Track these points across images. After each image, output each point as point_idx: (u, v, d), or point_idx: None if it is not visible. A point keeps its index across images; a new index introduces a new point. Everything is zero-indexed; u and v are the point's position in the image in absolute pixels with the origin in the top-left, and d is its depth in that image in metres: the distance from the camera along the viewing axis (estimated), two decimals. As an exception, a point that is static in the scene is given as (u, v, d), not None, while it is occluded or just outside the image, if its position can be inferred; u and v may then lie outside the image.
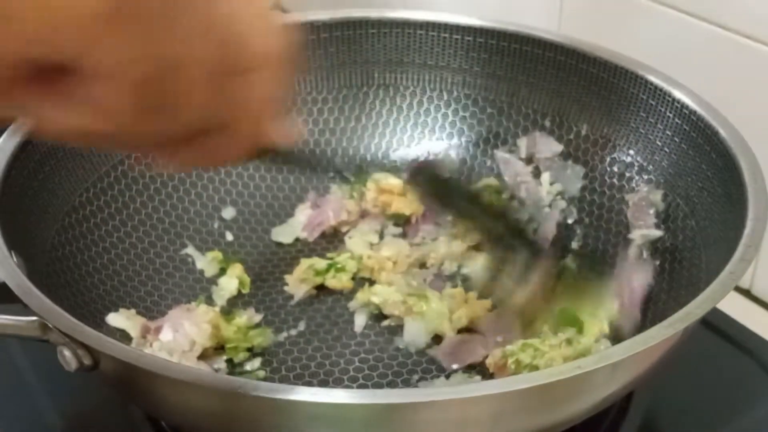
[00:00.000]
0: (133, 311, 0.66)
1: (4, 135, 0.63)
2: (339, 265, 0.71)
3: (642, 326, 0.64)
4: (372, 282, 0.71)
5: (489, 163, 0.78)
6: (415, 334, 0.67)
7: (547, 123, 0.76)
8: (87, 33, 0.31)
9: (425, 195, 0.67)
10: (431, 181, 0.65)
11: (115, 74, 0.32)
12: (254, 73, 0.37)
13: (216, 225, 0.75)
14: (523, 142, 0.77)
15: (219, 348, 0.65)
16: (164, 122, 0.35)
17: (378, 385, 0.63)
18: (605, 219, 0.73)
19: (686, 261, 0.65)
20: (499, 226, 0.63)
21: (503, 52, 0.76)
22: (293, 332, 0.68)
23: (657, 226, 0.69)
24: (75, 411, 0.64)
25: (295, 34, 0.39)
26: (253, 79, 0.37)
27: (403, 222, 0.76)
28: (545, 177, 0.76)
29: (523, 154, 0.77)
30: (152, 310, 0.68)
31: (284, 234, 0.76)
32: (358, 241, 0.75)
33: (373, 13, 0.78)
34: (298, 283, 0.71)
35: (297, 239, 0.76)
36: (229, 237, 0.75)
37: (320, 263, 0.71)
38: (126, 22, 0.31)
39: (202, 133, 0.37)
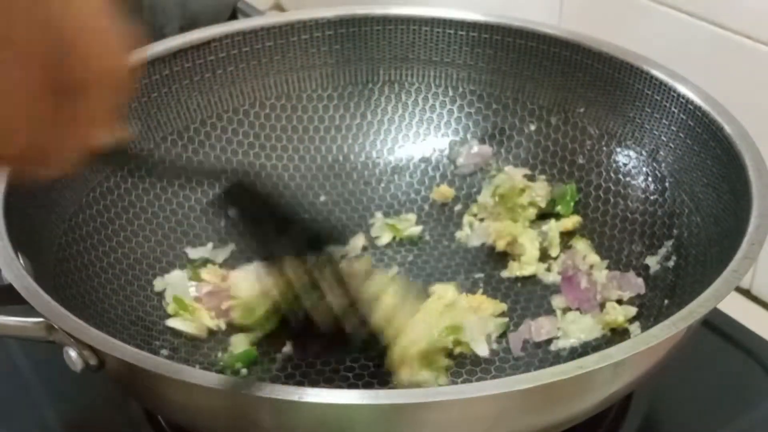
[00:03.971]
0: None
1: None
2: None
3: (646, 325, 0.64)
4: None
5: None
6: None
7: (553, 119, 0.76)
8: None
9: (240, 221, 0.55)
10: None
11: None
12: (87, 92, 0.35)
13: (222, 223, 0.75)
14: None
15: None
16: None
17: (383, 383, 0.64)
18: (611, 215, 0.73)
19: (691, 258, 0.65)
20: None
21: (509, 48, 0.76)
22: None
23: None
24: (75, 411, 0.65)
25: (134, 53, 0.37)
26: (86, 99, 0.35)
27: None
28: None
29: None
30: (159, 309, 0.69)
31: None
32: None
33: (378, 10, 0.78)
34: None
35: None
36: (236, 235, 0.75)
37: None
38: None
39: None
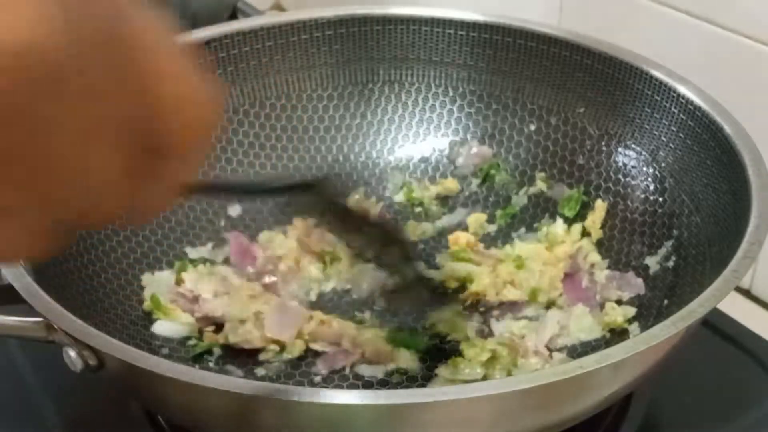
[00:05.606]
0: None
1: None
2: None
3: (645, 325, 0.64)
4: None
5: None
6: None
7: (552, 119, 0.76)
8: None
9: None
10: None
11: None
12: (171, 159, 0.34)
13: (222, 223, 0.75)
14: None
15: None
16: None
17: (383, 383, 0.64)
18: (611, 215, 0.73)
19: (691, 258, 0.65)
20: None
21: (508, 48, 0.76)
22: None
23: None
24: (75, 411, 0.65)
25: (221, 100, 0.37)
26: (175, 157, 0.34)
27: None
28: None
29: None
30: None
31: None
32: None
33: (377, 10, 0.78)
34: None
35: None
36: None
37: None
38: None
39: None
